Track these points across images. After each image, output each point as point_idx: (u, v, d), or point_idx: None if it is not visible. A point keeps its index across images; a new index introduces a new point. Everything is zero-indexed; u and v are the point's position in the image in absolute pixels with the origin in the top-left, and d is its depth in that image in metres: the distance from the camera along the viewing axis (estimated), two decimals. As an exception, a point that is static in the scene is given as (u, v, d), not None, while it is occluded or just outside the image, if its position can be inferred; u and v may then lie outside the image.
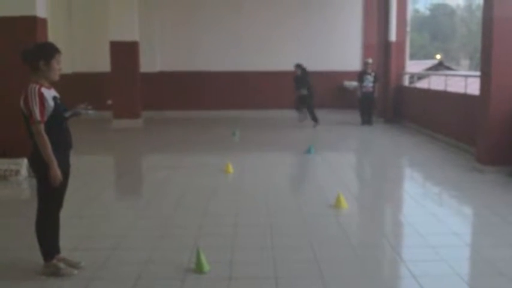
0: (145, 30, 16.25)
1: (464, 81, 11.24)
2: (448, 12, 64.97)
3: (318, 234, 5.44)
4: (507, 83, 8.17)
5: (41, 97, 4.07)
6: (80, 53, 17.16)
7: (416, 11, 63.92)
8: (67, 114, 4.40)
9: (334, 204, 6.42)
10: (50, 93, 4.18)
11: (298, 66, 14.69)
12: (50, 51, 4.21)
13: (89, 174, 8.59)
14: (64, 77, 4.41)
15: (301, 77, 14.64)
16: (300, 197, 7.10)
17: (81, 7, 17.54)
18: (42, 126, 4.07)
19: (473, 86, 10.47)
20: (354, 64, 17.87)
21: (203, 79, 17.84)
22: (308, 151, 10.15)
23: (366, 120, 14.96)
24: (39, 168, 4.18)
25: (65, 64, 4.38)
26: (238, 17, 17.75)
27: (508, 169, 8.19)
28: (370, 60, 15.22)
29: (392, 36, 15.38)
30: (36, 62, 4.14)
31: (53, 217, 4.37)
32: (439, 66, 29.94)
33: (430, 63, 31.79)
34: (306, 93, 14.59)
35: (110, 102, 14.89)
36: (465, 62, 57.23)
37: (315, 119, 14.53)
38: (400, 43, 15.47)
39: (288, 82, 17.80)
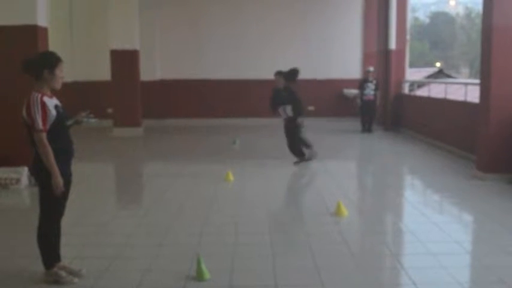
0: (145, 39, 16.28)
1: (464, 89, 11.26)
2: (447, 20, 65.19)
3: (318, 242, 5.44)
4: (507, 90, 8.18)
5: (43, 106, 4.09)
6: (81, 61, 17.17)
7: (416, 19, 64.12)
8: (69, 123, 4.43)
9: (335, 212, 6.42)
10: (51, 102, 4.20)
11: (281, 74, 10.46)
12: (53, 60, 4.25)
13: (89, 182, 8.60)
14: (64, 85, 4.42)
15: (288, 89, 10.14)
16: (300, 204, 7.10)
17: (82, 16, 17.60)
18: (44, 135, 4.09)
19: (473, 94, 10.48)
20: (354, 72, 17.91)
21: (203, 87, 17.87)
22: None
23: (366, 128, 14.97)
24: (41, 176, 4.20)
25: (66, 73, 4.39)
26: (238, 25, 17.79)
27: (509, 176, 8.19)
28: (371, 69, 15.25)
29: (392, 44, 15.41)
30: (40, 71, 4.17)
31: (54, 225, 4.39)
32: (439, 74, 29.96)
33: (430, 71, 31.81)
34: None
35: (110, 110, 14.93)
36: (465, 70, 57.36)
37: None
38: (400, 51, 15.50)
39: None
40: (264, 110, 17.60)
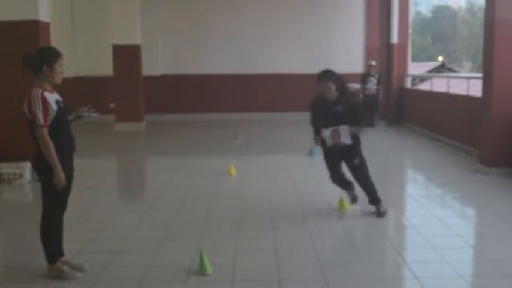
0: (147, 34, 16.25)
1: (467, 83, 11.24)
2: (450, 14, 64.98)
3: (320, 236, 5.44)
4: (509, 84, 8.16)
5: (44, 101, 4.09)
6: (83, 56, 17.17)
7: (418, 13, 63.95)
8: (70, 118, 4.43)
9: (337, 207, 6.42)
10: (52, 97, 4.20)
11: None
12: (52, 55, 4.25)
13: (91, 177, 8.60)
14: (66, 80, 4.43)
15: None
16: (302, 199, 7.10)
17: (84, 11, 17.56)
18: (45, 130, 4.09)
19: (475, 88, 10.46)
20: (356, 66, 17.83)
21: (205, 82, 17.85)
22: (310, 153, 10.14)
23: (369, 123, 14.94)
24: (43, 171, 4.20)
25: (68, 68, 4.41)
26: (240, 20, 17.75)
27: (511, 170, 8.17)
28: (373, 63, 15.22)
29: (394, 39, 15.37)
30: (40, 67, 4.17)
31: (57, 220, 4.40)
32: (442, 68, 29.92)
33: (432, 65, 31.78)
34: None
35: (112, 105, 14.92)
36: (467, 64, 57.24)
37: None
38: (402, 45, 15.46)
39: (289, 84, 17.85)
40: (265, 105, 17.67)
